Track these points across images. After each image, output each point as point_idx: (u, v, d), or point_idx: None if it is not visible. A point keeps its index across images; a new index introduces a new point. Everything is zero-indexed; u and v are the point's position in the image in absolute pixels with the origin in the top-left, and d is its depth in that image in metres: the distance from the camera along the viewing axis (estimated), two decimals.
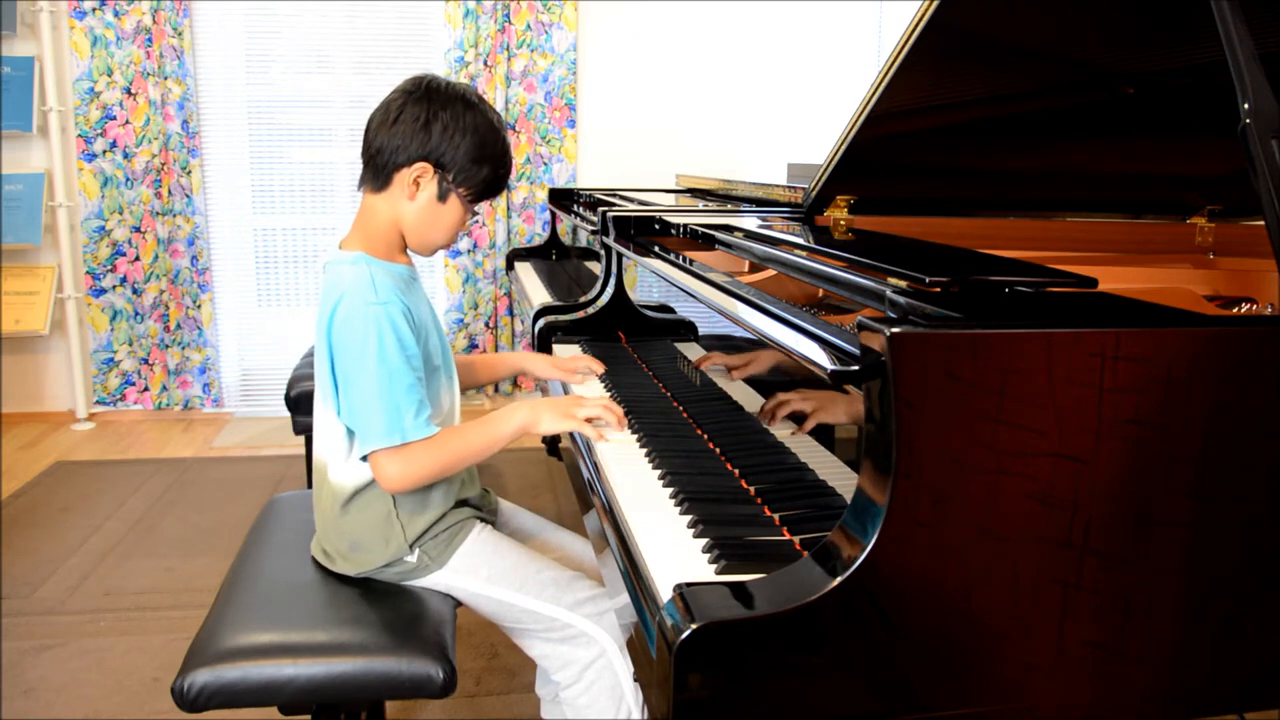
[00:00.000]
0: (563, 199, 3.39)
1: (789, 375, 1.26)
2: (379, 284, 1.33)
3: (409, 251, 1.45)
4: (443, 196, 1.37)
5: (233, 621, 1.29)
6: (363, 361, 1.29)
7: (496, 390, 4.26)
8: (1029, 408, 0.83)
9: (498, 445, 1.38)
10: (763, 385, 1.38)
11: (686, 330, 1.82)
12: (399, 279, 1.38)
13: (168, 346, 3.99)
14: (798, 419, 1.24)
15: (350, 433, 1.35)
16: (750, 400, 1.40)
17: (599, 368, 1.71)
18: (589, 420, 1.38)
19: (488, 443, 1.38)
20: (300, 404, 2.43)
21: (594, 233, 2.21)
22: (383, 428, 1.29)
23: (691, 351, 1.75)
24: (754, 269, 1.67)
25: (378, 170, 1.37)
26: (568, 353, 1.91)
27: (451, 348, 1.52)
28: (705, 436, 1.39)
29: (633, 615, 0.95)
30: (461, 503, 1.45)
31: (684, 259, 1.59)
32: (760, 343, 1.27)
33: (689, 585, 0.87)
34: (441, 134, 1.34)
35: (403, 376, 1.30)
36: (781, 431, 1.26)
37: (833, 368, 0.92)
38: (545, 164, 4.13)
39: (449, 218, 1.40)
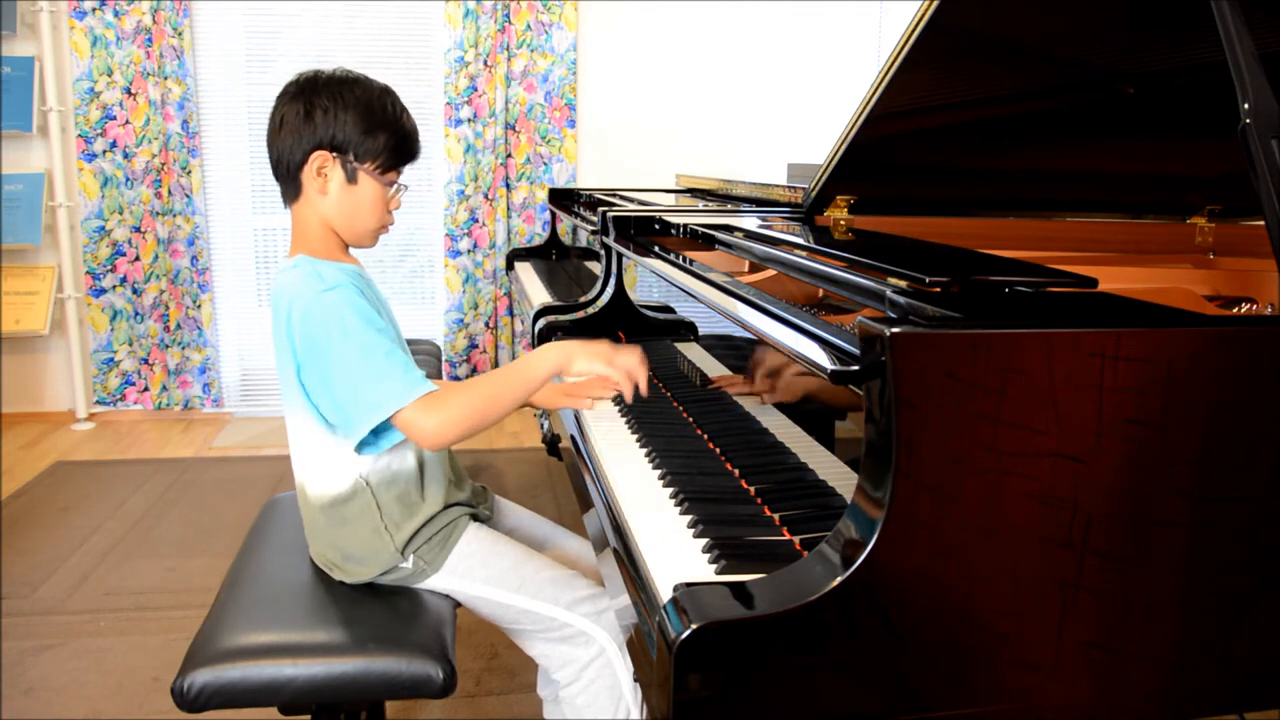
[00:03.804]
0: (563, 199, 3.39)
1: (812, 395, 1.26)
2: (325, 273, 1.32)
3: (362, 254, 1.43)
4: (351, 178, 1.35)
5: (233, 621, 1.29)
6: (331, 348, 1.27)
7: None
8: (1029, 407, 0.83)
9: (532, 389, 1.35)
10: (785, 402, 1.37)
11: (686, 330, 1.82)
12: (348, 273, 1.36)
13: (168, 346, 3.99)
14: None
15: (330, 427, 1.33)
16: (751, 401, 1.40)
17: (634, 384, 1.39)
18: (615, 376, 1.35)
19: (521, 386, 1.34)
20: None
21: (594, 233, 2.21)
22: (376, 398, 1.26)
23: (691, 351, 1.75)
24: (754, 269, 1.67)
25: (285, 179, 1.37)
26: None
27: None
28: (705, 436, 1.39)
29: (633, 616, 0.95)
30: (451, 505, 1.43)
31: (684, 259, 1.59)
32: (760, 344, 1.27)
33: (689, 585, 0.87)
34: (324, 118, 1.32)
35: (377, 345, 1.27)
36: (754, 408, 1.26)
37: (833, 368, 0.92)
38: (545, 164, 4.13)
39: (368, 197, 1.37)
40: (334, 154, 1.34)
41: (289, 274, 1.34)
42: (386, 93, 1.37)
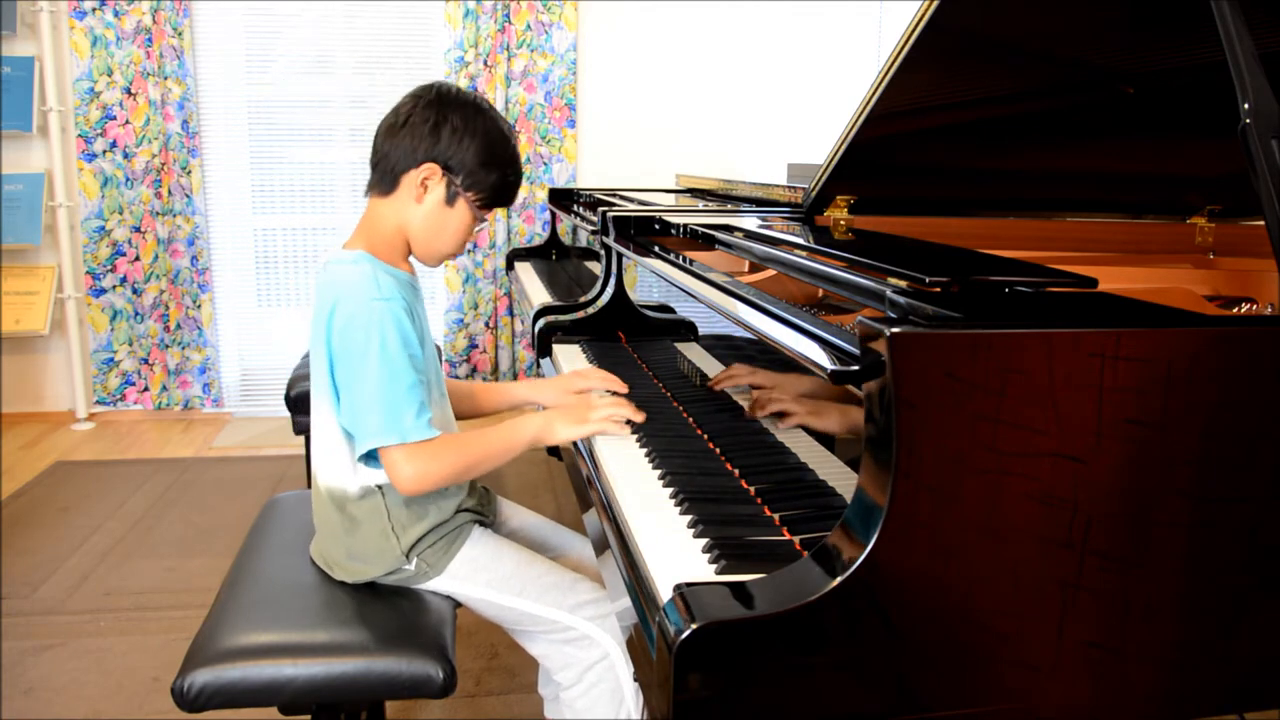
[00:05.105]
0: (563, 199, 3.39)
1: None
2: (381, 282, 1.32)
3: (413, 261, 1.44)
4: (450, 200, 1.37)
5: (233, 621, 1.29)
6: (365, 359, 1.28)
7: None
8: (1029, 407, 0.83)
9: (513, 453, 1.38)
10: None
11: (686, 330, 1.82)
12: (401, 283, 1.37)
13: (168, 346, 3.99)
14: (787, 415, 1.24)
15: (349, 436, 1.33)
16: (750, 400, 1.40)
17: (620, 387, 1.54)
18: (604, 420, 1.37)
19: (504, 449, 1.37)
20: (300, 404, 2.43)
21: (594, 233, 2.21)
22: (380, 425, 1.27)
23: (691, 351, 1.75)
24: (754, 269, 1.67)
25: (384, 175, 1.37)
26: (568, 352, 1.91)
27: (452, 349, 1.52)
28: (705, 436, 1.39)
29: (633, 616, 0.95)
30: (460, 511, 1.43)
31: (684, 259, 1.59)
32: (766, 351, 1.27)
33: (689, 585, 0.87)
34: (450, 136, 1.34)
35: (404, 375, 1.29)
36: (770, 424, 1.26)
37: (833, 368, 0.92)
38: (545, 164, 4.13)
39: (456, 222, 1.39)
40: (444, 171, 1.35)
41: (347, 268, 1.34)
42: (512, 134, 1.41)
